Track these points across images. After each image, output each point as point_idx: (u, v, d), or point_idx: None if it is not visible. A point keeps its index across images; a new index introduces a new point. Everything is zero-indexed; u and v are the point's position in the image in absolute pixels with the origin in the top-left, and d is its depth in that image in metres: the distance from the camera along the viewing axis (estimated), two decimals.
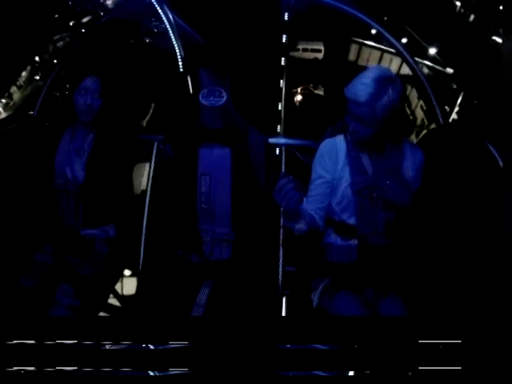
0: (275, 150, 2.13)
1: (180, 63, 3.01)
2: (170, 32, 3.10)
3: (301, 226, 1.69)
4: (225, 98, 1.90)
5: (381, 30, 2.63)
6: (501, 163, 1.88)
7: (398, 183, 1.67)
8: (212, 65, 2.01)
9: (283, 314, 1.93)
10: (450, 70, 4.02)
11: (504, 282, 1.43)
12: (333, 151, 1.79)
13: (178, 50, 3.07)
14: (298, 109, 5.01)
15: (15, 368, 1.12)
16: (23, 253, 1.92)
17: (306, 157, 2.12)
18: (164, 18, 3.09)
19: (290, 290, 2.10)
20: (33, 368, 1.12)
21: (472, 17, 4.05)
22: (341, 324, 1.24)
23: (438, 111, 2.41)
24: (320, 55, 5.04)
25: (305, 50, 5.02)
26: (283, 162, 2.08)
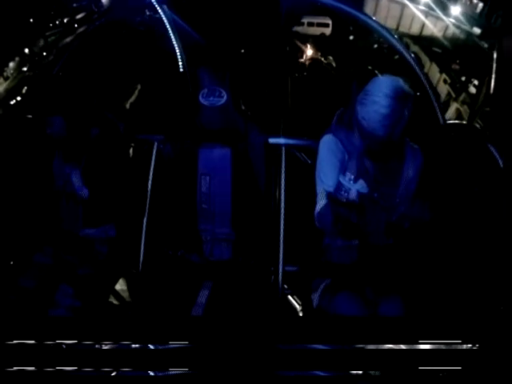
0: (275, 150, 2.12)
1: (180, 63, 3.01)
2: (170, 32, 3.10)
3: None
4: (225, 97, 1.89)
5: (374, 25, 2.62)
6: (501, 163, 1.88)
7: None
8: (212, 65, 2.01)
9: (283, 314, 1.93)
10: (477, 30, 3.76)
11: (504, 281, 1.43)
12: (339, 145, 1.77)
13: (178, 50, 3.06)
14: (306, 80, 4.45)
15: (15, 368, 1.12)
16: (23, 253, 1.92)
17: (305, 157, 2.12)
18: (164, 18, 3.09)
19: (290, 289, 2.10)
20: (33, 368, 1.12)
21: (480, 5, 3.93)
22: (341, 324, 1.23)
23: (438, 111, 2.41)
24: (327, 30, 4.52)
25: (310, 24, 4.48)
26: (283, 162, 2.08)
